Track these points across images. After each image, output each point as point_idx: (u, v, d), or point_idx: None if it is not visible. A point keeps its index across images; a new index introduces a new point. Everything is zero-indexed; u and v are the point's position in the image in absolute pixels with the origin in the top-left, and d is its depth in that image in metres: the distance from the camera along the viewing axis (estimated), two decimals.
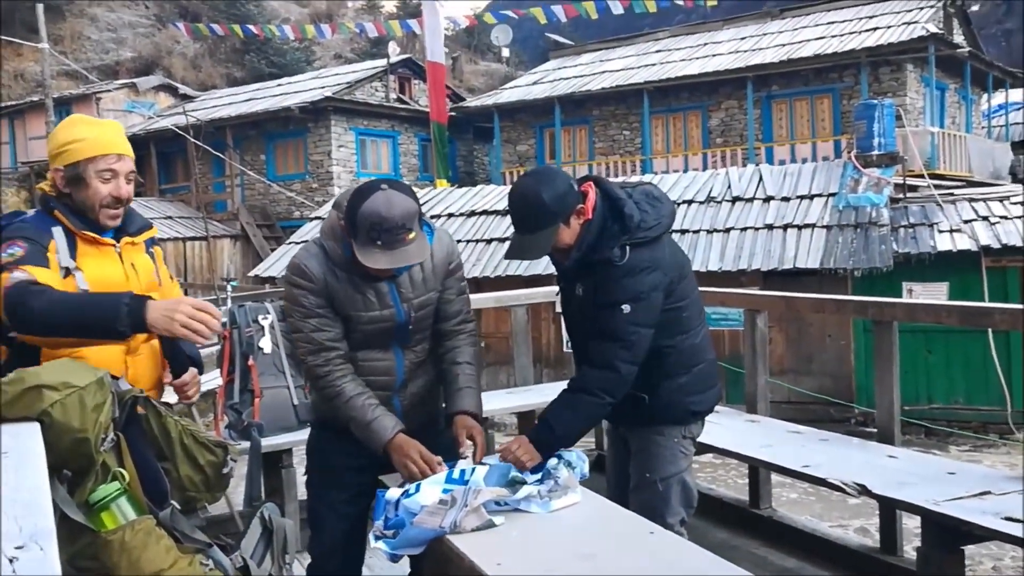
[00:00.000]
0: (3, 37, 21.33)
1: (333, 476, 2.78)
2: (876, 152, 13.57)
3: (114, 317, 2.26)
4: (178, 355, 2.77)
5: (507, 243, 2.78)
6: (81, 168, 2.52)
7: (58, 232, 2.50)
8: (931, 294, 11.42)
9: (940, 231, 11.79)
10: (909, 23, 18.83)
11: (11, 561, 1.34)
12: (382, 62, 26.02)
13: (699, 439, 3.63)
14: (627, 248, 2.72)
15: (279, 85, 27.66)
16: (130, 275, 2.61)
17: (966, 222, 11.79)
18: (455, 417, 2.70)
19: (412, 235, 2.50)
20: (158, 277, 2.74)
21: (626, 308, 2.70)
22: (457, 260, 2.84)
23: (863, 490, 3.20)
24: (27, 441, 2.04)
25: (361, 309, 2.64)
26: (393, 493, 2.39)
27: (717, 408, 4.66)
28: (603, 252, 2.72)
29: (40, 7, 11.69)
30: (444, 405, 2.79)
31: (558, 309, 3.09)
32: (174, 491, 2.35)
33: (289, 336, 3.54)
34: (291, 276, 2.66)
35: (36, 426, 2.14)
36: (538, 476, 2.49)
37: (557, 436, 2.66)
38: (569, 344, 3.24)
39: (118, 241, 2.61)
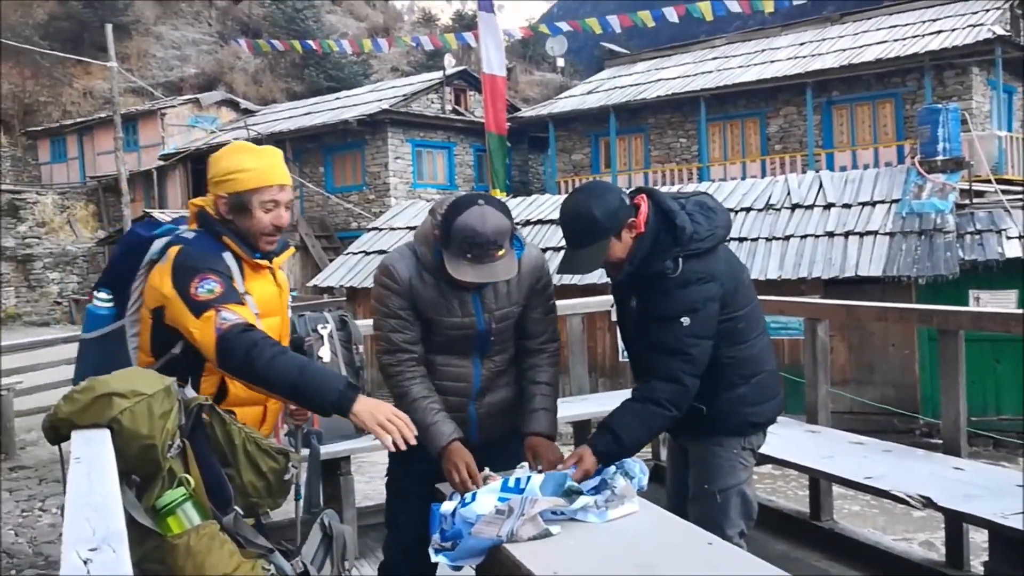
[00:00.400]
0: (73, 56, 22.02)
1: (411, 479, 2.83)
2: (941, 157, 13.26)
3: (327, 398, 2.33)
4: None
5: (562, 252, 2.79)
6: (246, 198, 2.59)
7: (228, 258, 2.58)
8: (999, 302, 11.11)
9: (1008, 237, 11.46)
10: (975, 25, 18.40)
11: (85, 563, 1.39)
12: (438, 74, 26.26)
13: (760, 450, 3.59)
14: (680, 260, 2.71)
15: (337, 98, 28.10)
16: (281, 294, 2.75)
17: None
18: (526, 438, 2.75)
19: (502, 252, 2.56)
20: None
21: (685, 321, 2.69)
22: (546, 278, 2.87)
23: (928, 502, 3.13)
24: (98, 447, 2.11)
25: (443, 315, 2.71)
26: (447, 506, 2.40)
27: (777, 418, 4.61)
28: (656, 265, 2.72)
29: (109, 27, 12.06)
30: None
31: (614, 318, 3.09)
32: (237, 497, 2.40)
33: (347, 345, 3.61)
34: (379, 276, 2.76)
35: (106, 432, 2.21)
36: (594, 485, 2.48)
37: (623, 445, 2.66)
38: (625, 354, 3.23)
39: (270, 262, 2.70)
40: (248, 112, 30.35)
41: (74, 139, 31.72)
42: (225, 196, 2.60)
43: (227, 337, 2.35)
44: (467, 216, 2.51)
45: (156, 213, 24.17)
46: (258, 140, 23.03)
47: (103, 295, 2.70)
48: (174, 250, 2.55)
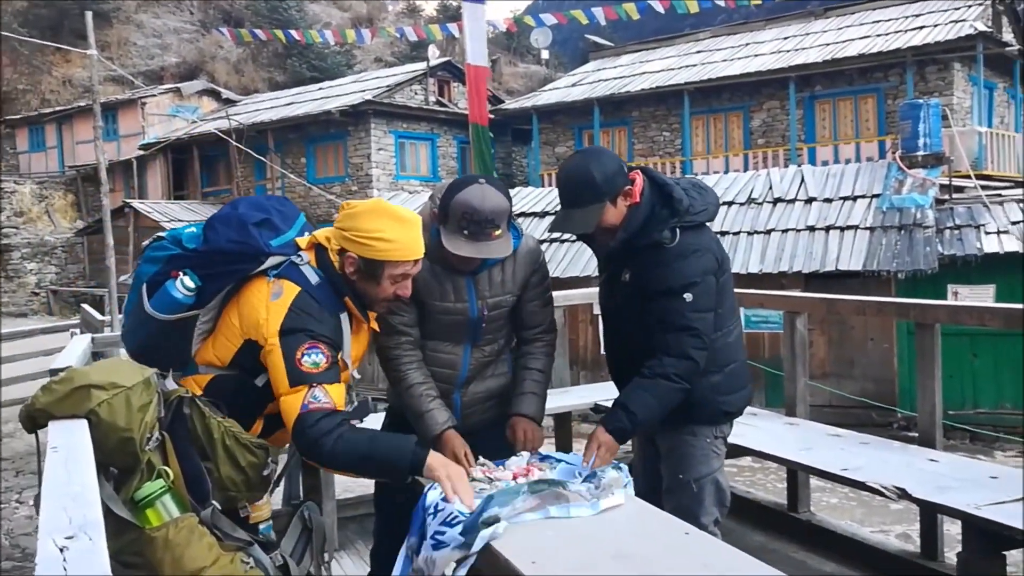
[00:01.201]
0: (52, 44, 21.79)
1: None
2: (921, 152, 13.37)
3: (401, 466, 2.31)
4: None
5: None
6: (379, 268, 2.43)
7: (344, 319, 2.46)
8: (977, 297, 11.22)
9: (987, 233, 11.57)
10: (956, 21, 18.52)
11: (61, 551, 1.39)
12: (421, 65, 26.19)
13: (738, 442, 3.62)
14: (677, 231, 2.75)
15: (320, 89, 27.96)
16: (369, 338, 2.66)
17: (1014, 223, 11.57)
18: (512, 418, 2.79)
19: (499, 232, 2.58)
20: None
21: (688, 297, 2.72)
22: (543, 269, 2.90)
23: (903, 494, 3.16)
24: (75, 437, 2.11)
25: (437, 299, 2.73)
26: (433, 496, 2.37)
27: (756, 411, 4.65)
28: (652, 235, 2.75)
29: (89, 14, 11.94)
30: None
31: (596, 311, 3.10)
32: (216, 491, 2.39)
33: None
34: None
35: (84, 423, 2.20)
36: (584, 476, 2.49)
37: (637, 422, 2.70)
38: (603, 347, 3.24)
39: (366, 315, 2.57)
40: (230, 102, 30.15)
41: (53, 128, 31.41)
42: (355, 258, 2.42)
43: (305, 418, 2.28)
44: (466, 193, 2.56)
45: (136, 203, 24.02)
46: (239, 131, 22.91)
47: (190, 283, 2.41)
48: (292, 291, 2.38)
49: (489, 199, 2.56)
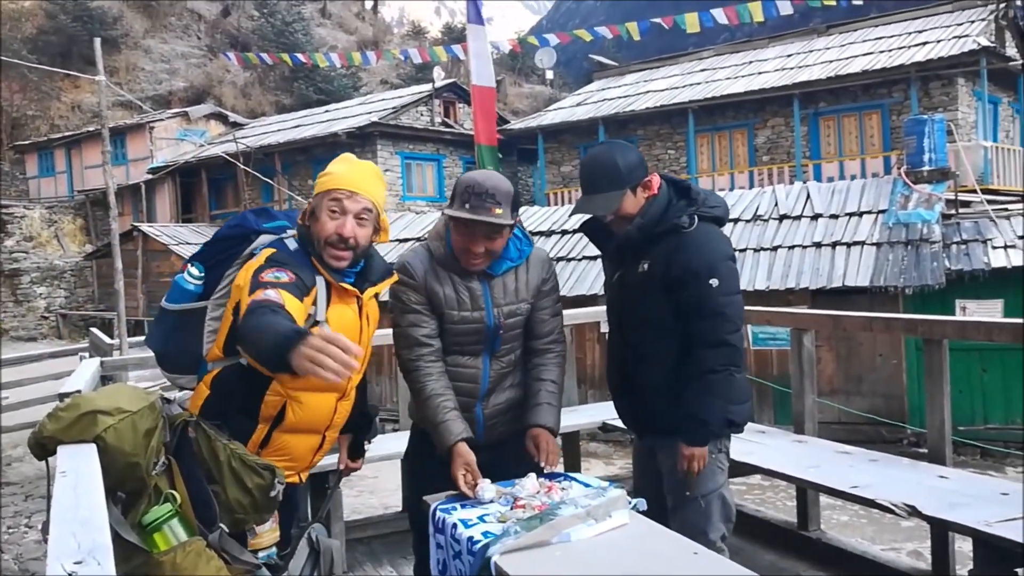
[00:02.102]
0: (61, 70, 21.98)
1: (430, 475, 2.78)
2: (927, 168, 13.35)
3: (274, 341, 2.07)
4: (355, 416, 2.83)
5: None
6: (317, 201, 2.55)
7: (321, 283, 2.51)
8: (985, 311, 11.17)
9: (994, 247, 11.54)
10: (960, 37, 18.55)
11: (70, 575, 1.39)
12: (427, 87, 26.32)
13: (747, 460, 3.61)
14: (695, 218, 2.84)
15: (326, 111, 28.12)
16: (364, 325, 2.64)
17: (1021, 237, 11.53)
18: (529, 429, 2.81)
19: (500, 211, 2.68)
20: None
21: (714, 282, 2.78)
22: (553, 280, 2.98)
23: (913, 511, 3.14)
24: (84, 461, 2.11)
25: (455, 307, 2.79)
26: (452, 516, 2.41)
27: (764, 428, 4.63)
28: (671, 220, 2.83)
29: (98, 41, 12.06)
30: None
31: (603, 330, 3.11)
32: (223, 513, 2.40)
33: None
34: (396, 272, 2.82)
35: (92, 447, 2.21)
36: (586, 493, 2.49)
37: (715, 422, 2.84)
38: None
39: (362, 291, 2.61)
40: (237, 125, 30.34)
41: (62, 153, 31.64)
42: (310, 201, 2.59)
43: (249, 305, 2.26)
44: (472, 174, 2.74)
45: (144, 227, 24.13)
46: (247, 154, 23.04)
47: (195, 271, 2.65)
48: (268, 251, 2.51)
49: (492, 178, 2.71)
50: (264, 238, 2.60)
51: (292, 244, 2.57)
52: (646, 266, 2.89)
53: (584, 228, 3.11)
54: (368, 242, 2.60)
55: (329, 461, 4.16)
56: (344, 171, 2.59)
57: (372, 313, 2.68)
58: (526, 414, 2.86)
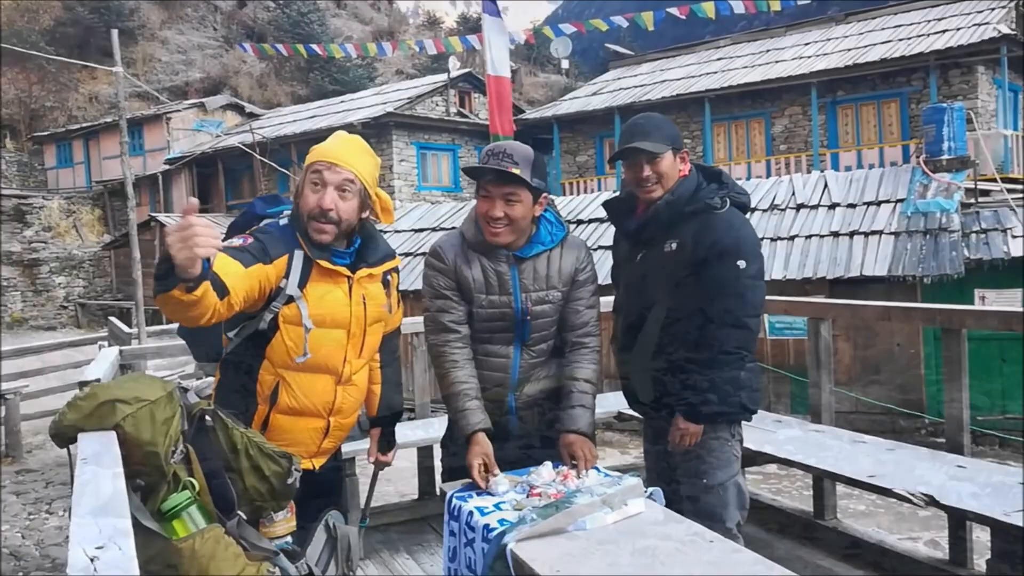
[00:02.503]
0: (79, 62, 22.09)
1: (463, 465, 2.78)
2: (946, 156, 13.23)
3: (158, 273, 2.02)
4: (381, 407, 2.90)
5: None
6: (302, 176, 2.59)
7: (298, 256, 2.51)
8: (1004, 301, 11.08)
9: (1014, 236, 11.43)
10: (980, 24, 18.35)
11: (92, 560, 1.41)
12: (442, 77, 26.30)
13: (764, 449, 3.60)
14: (727, 200, 2.88)
15: (342, 102, 28.14)
16: (355, 306, 2.60)
17: None
18: (562, 435, 2.76)
19: (517, 170, 2.68)
20: (389, 306, 2.76)
21: (741, 264, 2.80)
22: (589, 272, 2.91)
23: (931, 500, 3.13)
24: (104, 449, 2.13)
25: (483, 291, 2.77)
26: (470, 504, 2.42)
27: (781, 418, 4.62)
28: (703, 199, 2.87)
29: (115, 32, 12.10)
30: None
31: (604, 309, 3.07)
32: (241, 501, 2.41)
33: None
34: (428, 258, 2.86)
35: (112, 434, 2.23)
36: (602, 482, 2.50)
37: (717, 402, 2.86)
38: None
39: (354, 271, 2.59)
40: (253, 116, 30.42)
41: (80, 144, 31.82)
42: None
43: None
44: (496, 141, 2.76)
45: (162, 217, 24.26)
46: (263, 144, 23.10)
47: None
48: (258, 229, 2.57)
49: (512, 143, 2.75)
50: (267, 222, 2.62)
51: (283, 221, 2.59)
52: (674, 245, 2.89)
53: (607, 205, 3.12)
54: (353, 217, 2.56)
55: (343, 450, 4.19)
56: (327, 144, 2.60)
57: (372, 294, 2.65)
58: (560, 416, 2.81)
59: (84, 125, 32.05)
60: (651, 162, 2.88)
